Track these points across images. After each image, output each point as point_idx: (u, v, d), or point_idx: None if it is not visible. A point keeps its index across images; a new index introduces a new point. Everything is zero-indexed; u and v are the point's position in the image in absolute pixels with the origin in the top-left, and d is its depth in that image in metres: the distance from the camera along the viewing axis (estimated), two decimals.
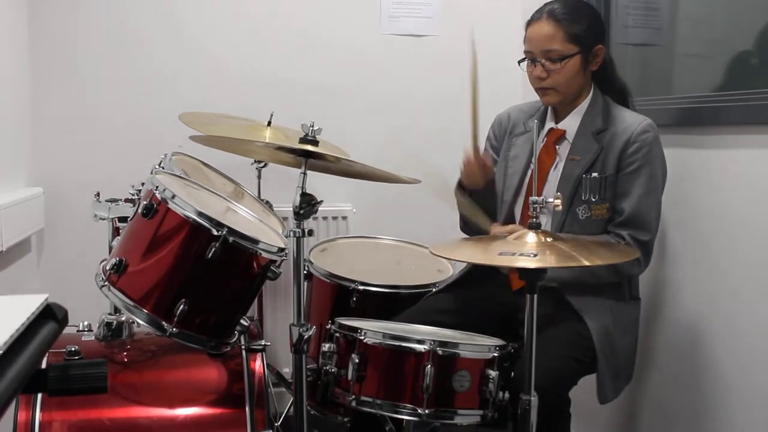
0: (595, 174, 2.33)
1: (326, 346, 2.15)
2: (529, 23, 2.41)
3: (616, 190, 2.33)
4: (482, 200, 2.49)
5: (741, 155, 2.25)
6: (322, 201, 2.18)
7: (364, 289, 2.59)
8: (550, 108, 2.49)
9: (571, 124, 2.43)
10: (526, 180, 2.48)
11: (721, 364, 2.31)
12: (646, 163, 2.30)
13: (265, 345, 2.44)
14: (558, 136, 2.44)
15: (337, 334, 2.15)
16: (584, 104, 2.42)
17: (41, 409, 2.13)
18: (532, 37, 2.39)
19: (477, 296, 2.46)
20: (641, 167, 2.30)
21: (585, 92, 2.43)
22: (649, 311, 2.55)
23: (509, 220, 2.50)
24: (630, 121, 2.35)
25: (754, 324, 2.18)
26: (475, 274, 2.50)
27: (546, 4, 2.40)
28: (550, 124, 2.48)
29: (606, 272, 2.30)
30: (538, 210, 1.93)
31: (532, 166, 2.28)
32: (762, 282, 2.15)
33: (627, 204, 2.31)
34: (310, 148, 2.14)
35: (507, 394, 2.04)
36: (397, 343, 2.06)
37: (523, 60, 2.42)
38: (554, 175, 2.41)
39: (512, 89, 3.06)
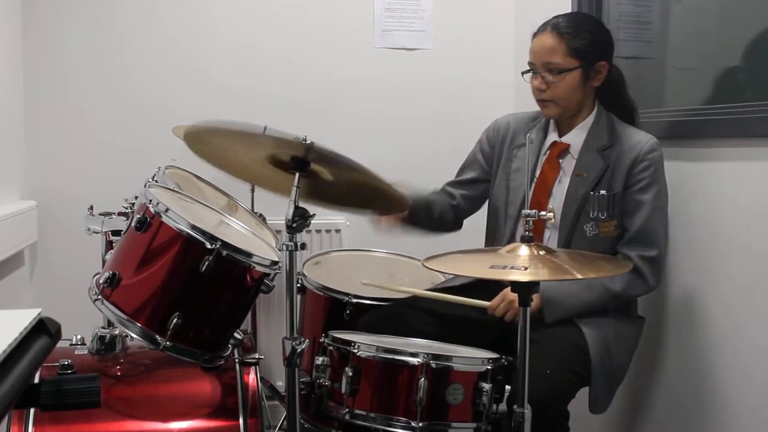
0: (603, 191, 2.33)
1: (320, 360, 2.15)
2: (534, 35, 2.43)
3: (623, 207, 2.33)
4: (419, 223, 2.58)
5: (733, 168, 2.27)
6: (314, 214, 2.18)
7: (357, 302, 2.58)
8: (552, 121, 2.49)
9: (575, 138, 2.43)
10: (531, 194, 2.47)
11: (715, 381, 2.32)
12: (654, 182, 2.32)
13: (258, 358, 2.44)
14: (561, 150, 2.44)
15: (331, 348, 2.15)
16: (589, 120, 2.42)
17: (34, 424, 2.12)
18: (535, 49, 2.40)
19: (470, 307, 2.46)
20: (649, 185, 2.31)
21: (587, 107, 2.43)
22: (645, 326, 2.54)
23: (513, 235, 2.49)
24: (637, 139, 2.36)
25: (745, 341, 2.19)
26: (470, 286, 2.50)
27: (554, 17, 2.41)
28: (553, 137, 2.48)
29: (608, 302, 2.32)
30: (531, 223, 1.93)
31: (534, 179, 2.28)
32: (754, 300, 2.16)
33: (635, 221, 2.31)
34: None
35: (501, 407, 2.04)
36: (390, 356, 2.06)
37: (528, 72, 2.43)
38: (559, 189, 2.41)
39: (504, 102, 3.08)
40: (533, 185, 2.45)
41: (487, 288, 2.35)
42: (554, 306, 2.29)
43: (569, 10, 3.08)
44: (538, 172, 2.46)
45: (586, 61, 2.36)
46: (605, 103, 2.46)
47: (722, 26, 2.48)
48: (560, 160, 2.44)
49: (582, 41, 2.35)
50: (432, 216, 2.61)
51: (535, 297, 2.23)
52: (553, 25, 2.38)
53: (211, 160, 2.48)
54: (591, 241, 2.33)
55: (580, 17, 2.43)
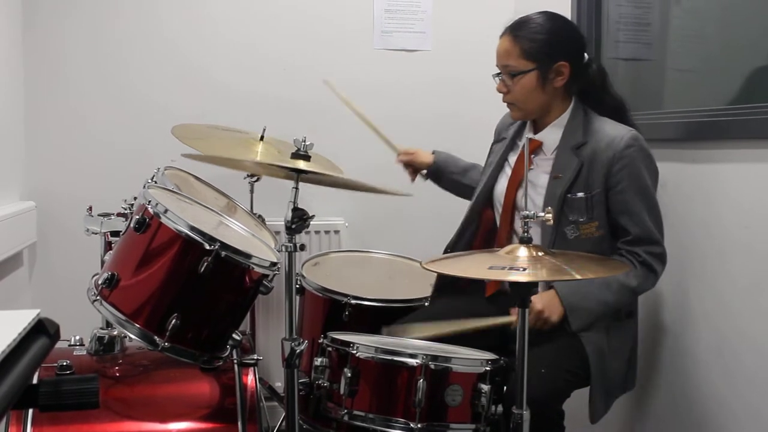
0: (580, 194, 2.30)
1: (318, 361, 2.15)
2: (499, 38, 2.42)
3: (608, 207, 2.30)
4: (444, 180, 2.85)
5: (733, 169, 2.26)
6: (313, 215, 2.18)
7: (356, 303, 2.58)
8: None
9: (548, 136, 2.41)
10: (497, 187, 2.52)
11: (714, 381, 2.32)
12: (635, 179, 2.28)
13: (257, 359, 2.44)
14: (534, 147, 2.42)
15: (330, 349, 2.15)
16: (564, 118, 2.39)
17: (32, 424, 2.12)
18: (496, 51, 2.40)
19: (467, 308, 2.47)
20: (631, 184, 2.27)
21: (558, 107, 2.40)
22: (644, 328, 2.55)
23: (472, 223, 2.58)
24: (612, 135, 2.30)
25: (745, 342, 2.19)
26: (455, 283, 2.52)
27: (517, 18, 2.39)
28: (528, 134, 2.47)
29: (626, 298, 2.31)
30: (529, 225, 1.93)
31: (521, 180, 2.29)
32: (753, 301, 2.16)
33: (630, 224, 2.28)
34: (302, 165, 2.14)
35: (499, 408, 2.04)
36: (389, 357, 2.06)
37: (497, 74, 2.43)
38: (528, 184, 2.38)
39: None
40: (507, 181, 2.48)
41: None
42: (578, 312, 2.25)
43: (568, 12, 3.09)
44: (511, 168, 2.50)
45: (541, 63, 2.33)
46: (588, 102, 2.42)
47: (722, 28, 2.48)
48: (532, 156, 2.42)
49: (536, 43, 2.33)
50: (457, 179, 2.84)
51: (557, 305, 2.24)
52: (512, 27, 2.37)
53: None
54: (573, 243, 2.30)
55: (541, 17, 2.38)
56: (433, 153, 2.86)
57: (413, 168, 2.86)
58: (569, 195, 2.31)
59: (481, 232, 2.57)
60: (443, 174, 2.84)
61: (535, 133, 2.45)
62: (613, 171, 2.28)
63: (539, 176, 2.39)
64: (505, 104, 2.46)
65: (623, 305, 2.35)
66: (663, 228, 2.34)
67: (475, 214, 2.59)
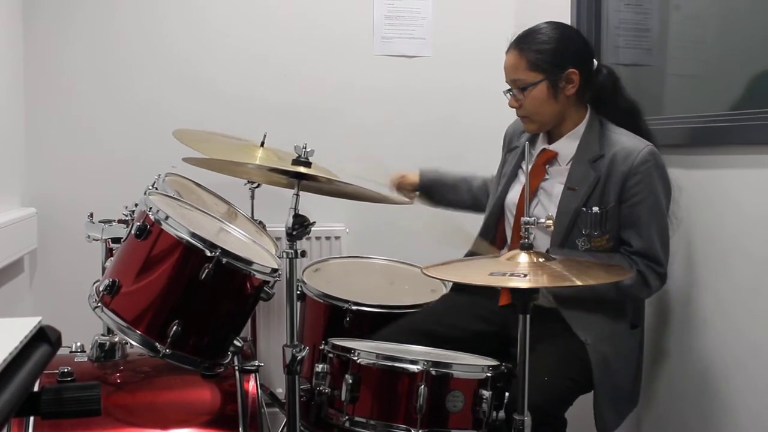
0: (595, 208, 2.29)
1: (320, 367, 2.15)
2: (505, 53, 2.42)
3: (620, 220, 2.30)
4: (437, 198, 2.84)
5: (733, 175, 2.27)
6: (314, 222, 2.19)
7: (357, 309, 2.58)
8: None
9: (564, 148, 2.40)
10: (508, 196, 2.50)
11: (716, 386, 2.32)
12: (650, 195, 2.28)
13: (258, 365, 2.44)
14: (549, 158, 2.42)
15: (331, 355, 2.15)
16: (580, 128, 2.39)
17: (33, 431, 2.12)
18: (504, 67, 2.40)
19: (467, 311, 2.46)
20: (645, 199, 2.27)
21: (573, 116, 2.40)
22: (647, 333, 2.54)
23: (488, 234, 2.56)
24: (629, 148, 2.29)
25: (745, 347, 2.19)
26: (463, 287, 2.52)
27: (521, 32, 2.39)
28: (542, 144, 2.47)
29: (613, 293, 2.29)
30: (529, 230, 1.93)
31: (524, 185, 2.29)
32: (754, 306, 2.16)
33: (635, 238, 2.28)
34: (302, 169, 2.15)
35: (501, 414, 2.03)
36: (390, 363, 2.06)
37: (508, 91, 2.42)
38: (543, 193, 2.40)
39: (504, 109, 3.08)
40: (520, 190, 2.46)
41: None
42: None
43: (568, 18, 3.09)
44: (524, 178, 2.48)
45: (550, 73, 2.32)
46: (601, 108, 2.42)
47: (722, 34, 2.49)
48: (546, 166, 2.42)
49: (542, 54, 2.32)
50: (450, 196, 2.84)
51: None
52: (516, 41, 2.37)
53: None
54: (582, 255, 2.29)
55: (545, 27, 2.37)
56: (420, 172, 2.85)
57: (406, 190, 2.86)
58: (584, 209, 2.30)
59: (498, 244, 2.56)
60: (433, 193, 2.85)
61: (550, 142, 2.44)
62: (628, 185, 2.28)
63: (554, 186, 2.39)
64: (519, 117, 2.45)
65: (607, 296, 2.31)
66: (669, 250, 2.33)
67: (491, 226, 2.57)
